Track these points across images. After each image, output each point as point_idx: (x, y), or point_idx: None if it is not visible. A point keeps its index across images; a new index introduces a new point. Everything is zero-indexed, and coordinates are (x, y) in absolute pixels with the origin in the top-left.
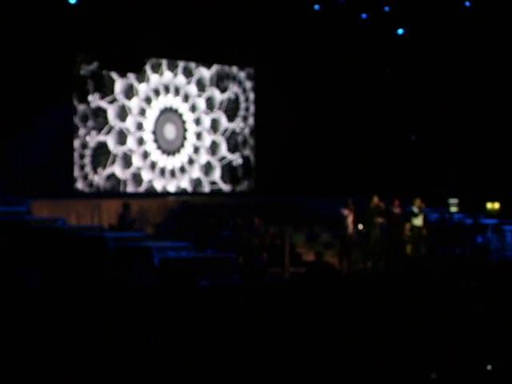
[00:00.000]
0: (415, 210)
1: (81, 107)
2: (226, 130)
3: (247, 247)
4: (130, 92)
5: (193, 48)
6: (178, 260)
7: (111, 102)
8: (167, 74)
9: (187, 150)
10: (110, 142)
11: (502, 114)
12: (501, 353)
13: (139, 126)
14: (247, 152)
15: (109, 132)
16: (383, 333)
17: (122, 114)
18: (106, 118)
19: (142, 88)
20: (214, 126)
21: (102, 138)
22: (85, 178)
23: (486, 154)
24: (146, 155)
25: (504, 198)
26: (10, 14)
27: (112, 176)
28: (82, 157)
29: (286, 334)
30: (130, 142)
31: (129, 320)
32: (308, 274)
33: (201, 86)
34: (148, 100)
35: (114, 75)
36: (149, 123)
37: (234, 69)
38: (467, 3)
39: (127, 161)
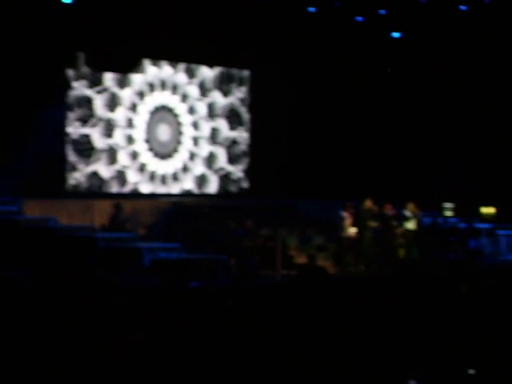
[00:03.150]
0: (407, 213)
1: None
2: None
3: (239, 249)
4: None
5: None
6: (168, 261)
7: (99, 91)
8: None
9: (186, 146)
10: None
11: (498, 119)
12: (487, 358)
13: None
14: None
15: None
16: (374, 336)
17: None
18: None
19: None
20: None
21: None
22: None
23: (483, 158)
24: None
25: (499, 203)
26: (2, 13)
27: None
28: (70, 155)
29: (275, 337)
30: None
31: (118, 321)
32: (299, 277)
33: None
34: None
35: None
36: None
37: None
38: (463, 7)
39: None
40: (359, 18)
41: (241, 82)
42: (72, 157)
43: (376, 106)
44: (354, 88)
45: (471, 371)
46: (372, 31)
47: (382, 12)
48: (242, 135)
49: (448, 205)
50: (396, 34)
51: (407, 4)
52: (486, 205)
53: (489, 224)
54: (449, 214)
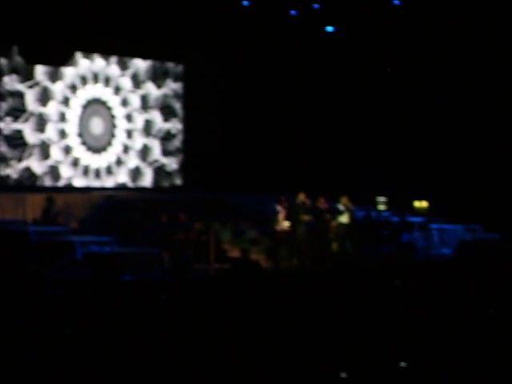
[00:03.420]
0: (341, 207)
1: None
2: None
3: (172, 243)
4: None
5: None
6: (101, 255)
7: (31, 86)
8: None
9: (120, 139)
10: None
11: (430, 113)
12: (419, 351)
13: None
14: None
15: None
16: (307, 330)
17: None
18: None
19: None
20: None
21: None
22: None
23: (416, 152)
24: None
25: (432, 197)
26: None
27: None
28: (2, 151)
29: (208, 330)
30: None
31: (50, 314)
32: (232, 271)
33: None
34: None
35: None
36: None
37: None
38: (396, 1)
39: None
40: (293, 12)
41: (176, 77)
42: (4, 152)
43: (309, 100)
44: (287, 82)
45: (402, 364)
46: (306, 25)
47: (316, 6)
48: (176, 126)
49: (381, 198)
50: (330, 28)
51: None
52: (419, 198)
53: (422, 218)
54: (382, 207)
